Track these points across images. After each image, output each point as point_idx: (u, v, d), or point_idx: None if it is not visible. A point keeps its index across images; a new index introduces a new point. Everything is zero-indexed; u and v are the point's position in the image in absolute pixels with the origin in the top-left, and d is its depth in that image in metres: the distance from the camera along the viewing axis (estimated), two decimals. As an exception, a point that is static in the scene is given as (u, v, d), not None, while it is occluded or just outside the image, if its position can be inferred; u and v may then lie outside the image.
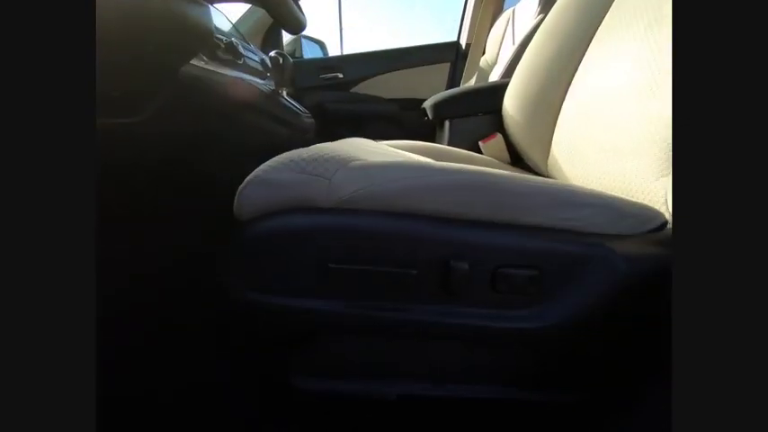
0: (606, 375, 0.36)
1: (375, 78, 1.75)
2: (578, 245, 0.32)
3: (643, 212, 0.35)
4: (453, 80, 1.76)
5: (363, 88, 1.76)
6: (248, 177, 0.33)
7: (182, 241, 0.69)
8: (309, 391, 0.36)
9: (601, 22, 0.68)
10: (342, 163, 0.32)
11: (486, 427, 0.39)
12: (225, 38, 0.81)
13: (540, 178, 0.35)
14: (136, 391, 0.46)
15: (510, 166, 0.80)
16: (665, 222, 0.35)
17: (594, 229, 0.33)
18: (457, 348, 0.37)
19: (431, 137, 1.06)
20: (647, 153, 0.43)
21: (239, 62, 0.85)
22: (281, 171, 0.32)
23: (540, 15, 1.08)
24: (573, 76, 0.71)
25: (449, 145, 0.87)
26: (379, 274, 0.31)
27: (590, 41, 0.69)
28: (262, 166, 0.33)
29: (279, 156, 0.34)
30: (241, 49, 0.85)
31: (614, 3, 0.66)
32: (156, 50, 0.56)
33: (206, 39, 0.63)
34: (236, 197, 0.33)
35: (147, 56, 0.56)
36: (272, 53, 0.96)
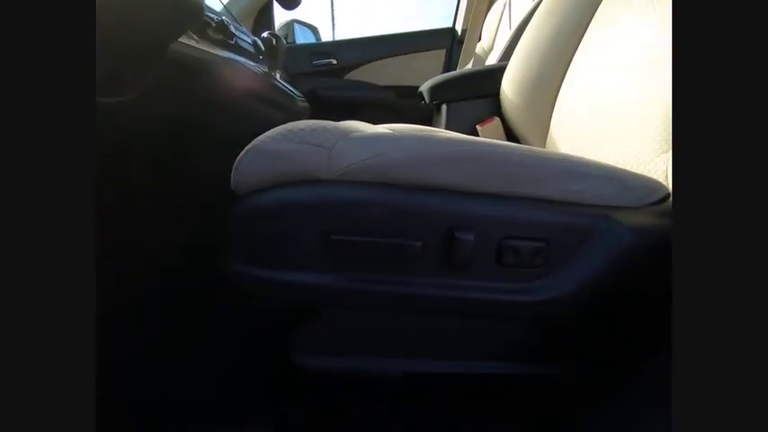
0: (609, 349, 0.36)
1: (369, 65, 1.72)
2: (584, 216, 0.32)
3: (646, 185, 0.35)
4: (449, 67, 1.74)
5: (357, 75, 1.73)
6: (246, 148, 0.31)
7: (178, 227, 0.67)
8: (312, 370, 0.36)
9: (600, 1, 0.67)
10: (342, 134, 0.31)
11: (489, 401, 0.39)
12: (216, 16, 0.79)
13: (545, 150, 0.34)
14: (136, 380, 0.45)
15: (508, 150, 0.79)
16: (668, 195, 0.35)
17: (599, 201, 0.33)
18: (461, 323, 0.36)
19: (427, 125, 1.05)
20: (647, 131, 0.43)
21: (231, 42, 0.83)
22: (279, 141, 0.31)
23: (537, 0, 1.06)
24: (572, 57, 0.70)
25: (446, 129, 0.86)
26: (382, 247, 0.30)
27: (589, 21, 0.68)
28: (260, 137, 0.32)
29: (277, 127, 0.32)
30: (232, 29, 0.82)
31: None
32: (144, 26, 0.54)
33: (196, 14, 0.60)
34: (233, 169, 0.32)
35: (133, 31, 0.53)
36: (265, 34, 0.94)
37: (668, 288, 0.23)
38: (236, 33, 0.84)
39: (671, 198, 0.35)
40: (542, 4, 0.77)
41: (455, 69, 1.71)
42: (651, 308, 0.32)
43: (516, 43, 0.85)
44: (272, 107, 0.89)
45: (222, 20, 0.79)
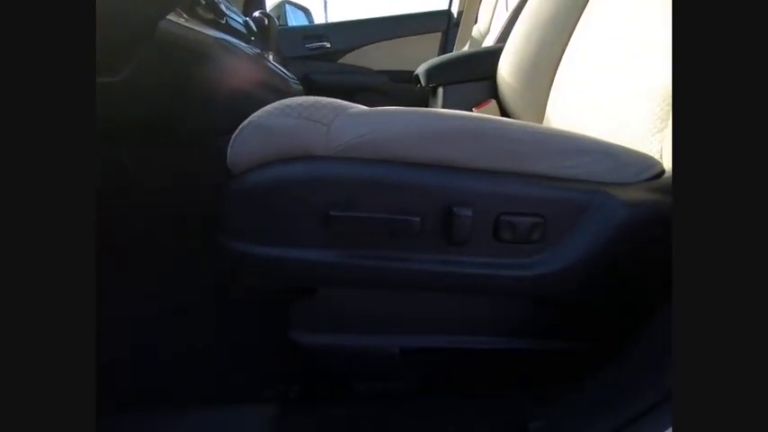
0: (606, 323, 0.37)
1: (364, 48, 1.69)
2: (580, 192, 0.32)
3: (641, 161, 0.35)
4: (445, 50, 1.71)
5: (351, 59, 1.70)
6: (242, 124, 0.31)
7: (174, 208, 0.67)
8: (311, 347, 0.36)
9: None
10: (340, 109, 0.31)
11: (489, 375, 0.40)
12: (205, -6, 0.76)
13: (542, 126, 0.34)
14: (136, 357, 0.46)
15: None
16: (662, 171, 0.35)
17: (595, 177, 0.33)
18: (459, 299, 0.37)
19: (423, 108, 1.04)
20: (643, 110, 0.43)
21: (222, 22, 0.80)
22: (277, 116, 0.30)
23: (535, -21, 1.04)
24: (569, 37, 0.69)
25: (442, 112, 0.86)
26: (381, 223, 0.30)
27: (585, 4, 0.67)
28: (256, 113, 0.31)
29: (274, 103, 0.32)
30: (223, 8, 0.80)
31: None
32: (130, 2, 0.52)
33: None
34: (229, 145, 0.31)
35: (120, 8, 0.52)
36: (257, 13, 0.91)
37: (664, 262, 0.23)
38: (227, 13, 0.81)
39: (665, 174, 0.35)
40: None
41: (451, 52, 1.69)
42: (646, 280, 0.33)
43: (513, 25, 0.84)
44: (265, 89, 0.88)
45: (212, -3, 0.76)
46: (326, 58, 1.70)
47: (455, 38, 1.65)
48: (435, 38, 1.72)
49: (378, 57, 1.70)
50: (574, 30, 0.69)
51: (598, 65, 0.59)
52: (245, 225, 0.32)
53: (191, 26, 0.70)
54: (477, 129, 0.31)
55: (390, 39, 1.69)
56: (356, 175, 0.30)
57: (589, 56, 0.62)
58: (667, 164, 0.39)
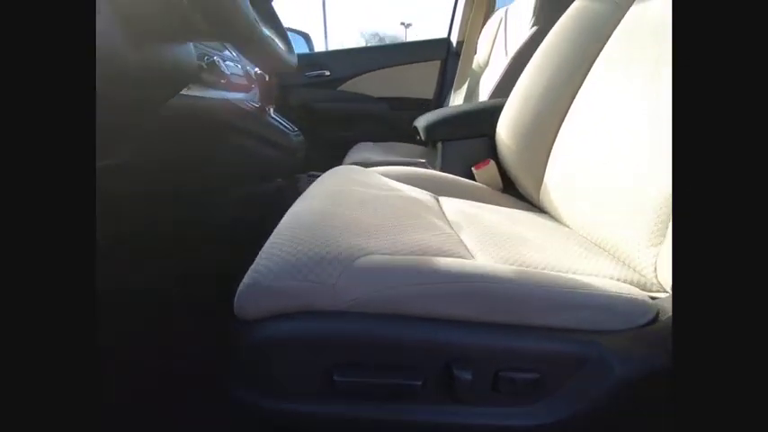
0: None
1: (363, 76, 1.70)
2: (577, 344, 0.33)
3: (636, 308, 0.36)
4: (444, 78, 1.72)
5: (351, 86, 1.71)
6: (247, 281, 0.32)
7: (179, 273, 0.67)
8: None
9: (600, 52, 0.67)
10: (347, 262, 0.32)
11: None
12: (207, 57, 0.77)
13: (543, 278, 0.34)
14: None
15: (502, 194, 0.80)
16: (657, 315, 0.36)
17: (592, 326, 0.34)
18: None
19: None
20: (640, 220, 0.43)
21: (223, 82, 0.81)
22: (282, 279, 0.31)
23: (534, 28, 1.05)
24: (569, 105, 0.70)
25: (442, 168, 0.86)
26: (384, 387, 0.31)
27: (588, 70, 0.68)
28: (259, 269, 0.32)
29: (279, 256, 0.32)
30: (224, 68, 0.81)
31: (617, 33, 0.65)
32: (136, 88, 0.53)
33: (189, 78, 0.59)
34: (235, 298, 0.32)
35: (124, 94, 0.52)
36: (257, 70, 0.92)
37: (662, 410, 0.24)
38: (227, 71, 0.82)
39: (660, 319, 0.36)
40: (542, 46, 0.77)
41: (450, 81, 1.69)
42: (649, 429, 0.34)
43: (509, 78, 0.84)
44: (266, 145, 0.88)
45: (213, 60, 0.77)
46: (326, 86, 1.70)
47: (455, 66, 1.66)
48: (435, 66, 1.73)
49: (377, 84, 1.71)
50: (574, 97, 0.69)
51: (597, 145, 0.59)
52: (248, 376, 0.32)
53: (192, 93, 0.70)
54: (483, 289, 0.32)
55: (390, 67, 1.70)
56: (358, 332, 0.31)
57: (588, 131, 0.63)
58: (662, 278, 0.40)
